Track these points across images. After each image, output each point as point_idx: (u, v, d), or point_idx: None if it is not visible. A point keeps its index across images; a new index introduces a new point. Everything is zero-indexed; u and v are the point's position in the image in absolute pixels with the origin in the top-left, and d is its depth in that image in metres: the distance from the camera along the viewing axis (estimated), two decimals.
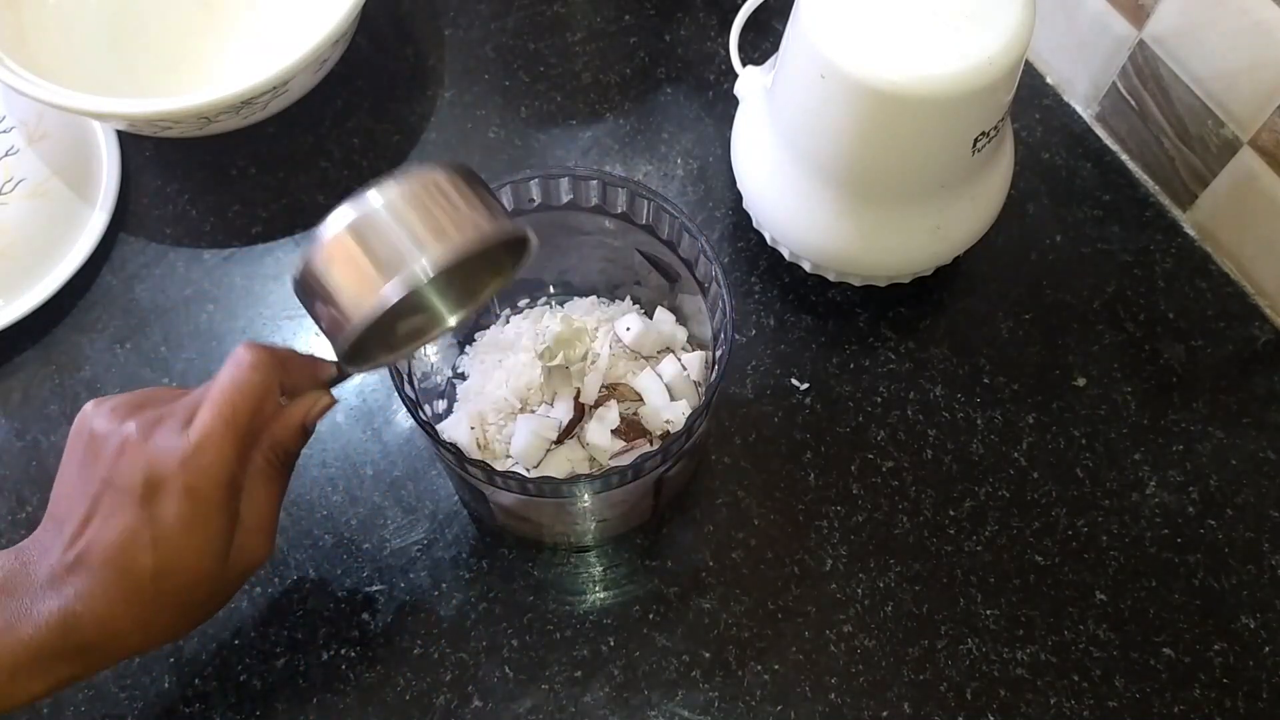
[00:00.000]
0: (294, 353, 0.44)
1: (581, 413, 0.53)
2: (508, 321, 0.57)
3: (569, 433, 0.52)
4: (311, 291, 0.40)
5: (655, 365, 0.54)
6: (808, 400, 0.58)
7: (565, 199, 0.50)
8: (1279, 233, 0.58)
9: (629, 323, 0.54)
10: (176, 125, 0.60)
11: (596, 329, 0.55)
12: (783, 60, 0.53)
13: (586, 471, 0.53)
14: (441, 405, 0.55)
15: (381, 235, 0.39)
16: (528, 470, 0.52)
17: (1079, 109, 0.67)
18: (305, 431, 0.44)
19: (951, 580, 0.54)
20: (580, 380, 0.53)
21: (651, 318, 0.56)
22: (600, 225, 0.52)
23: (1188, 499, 0.56)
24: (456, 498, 0.56)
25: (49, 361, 0.60)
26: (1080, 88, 0.66)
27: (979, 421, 0.58)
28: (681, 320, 0.56)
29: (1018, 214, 0.63)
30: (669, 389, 0.53)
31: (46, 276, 0.61)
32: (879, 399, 0.58)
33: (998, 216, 0.58)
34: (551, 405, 0.53)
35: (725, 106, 0.66)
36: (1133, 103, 0.63)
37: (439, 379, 0.56)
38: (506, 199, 0.49)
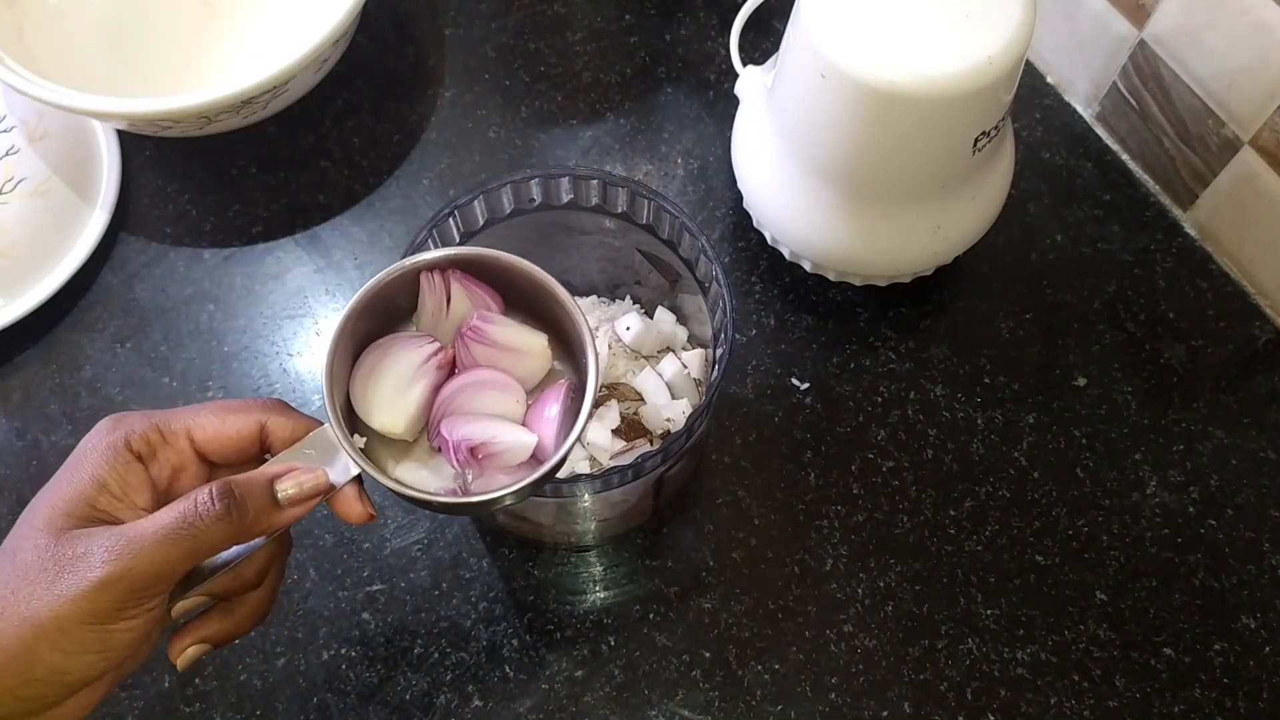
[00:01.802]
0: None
1: None
2: None
3: None
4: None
5: (655, 364, 0.54)
6: (808, 400, 0.58)
7: (566, 199, 0.50)
8: (1279, 233, 0.58)
9: (629, 322, 0.54)
10: (176, 125, 0.60)
11: (597, 329, 0.55)
12: (783, 60, 0.53)
13: (586, 471, 0.53)
14: None
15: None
16: None
17: (1079, 109, 0.67)
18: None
19: (952, 580, 0.54)
20: None
21: (651, 317, 0.56)
22: (600, 225, 0.52)
23: (1188, 499, 0.56)
24: None
25: (49, 361, 0.60)
26: (1080, 87, 0.66)
27: (979, 421, 0.58)
28: (682, 320, 0.56)
29: (1018, 214, 0.63)
30: (669, 387, 0.53)
31: (47, 276, 0.61)
32: (879, 399, 0.58)
33: (998, 216, 0.57)
34: None
35: (725, 106, 0.66)
36: (1133, 102, 0.63)
37: None
38: (507, 199, 0.49)
